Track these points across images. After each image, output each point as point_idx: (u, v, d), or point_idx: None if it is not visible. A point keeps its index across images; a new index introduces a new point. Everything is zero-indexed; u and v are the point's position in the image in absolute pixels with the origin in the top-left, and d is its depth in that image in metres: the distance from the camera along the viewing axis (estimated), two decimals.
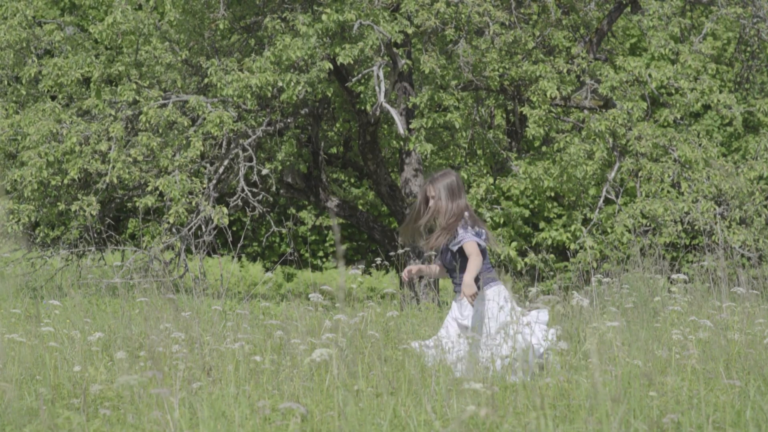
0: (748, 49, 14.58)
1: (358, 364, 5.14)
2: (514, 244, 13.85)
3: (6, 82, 13.96)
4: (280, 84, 12.18)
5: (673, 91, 13.76)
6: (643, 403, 4.65)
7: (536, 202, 21.71)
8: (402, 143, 13.83)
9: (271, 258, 23.99)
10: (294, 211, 23.19)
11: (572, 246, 13.33)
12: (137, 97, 12.94)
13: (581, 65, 13.25)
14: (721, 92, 13.92)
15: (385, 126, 14.86)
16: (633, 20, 14.59)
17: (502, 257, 13.48)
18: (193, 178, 12.73)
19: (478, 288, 6.25)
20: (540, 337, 6.04)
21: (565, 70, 13.16)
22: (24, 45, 13.45)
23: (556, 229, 20.76)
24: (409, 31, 12.42)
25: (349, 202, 15.15)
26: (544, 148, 15.09)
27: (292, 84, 12.17)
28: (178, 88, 13.44)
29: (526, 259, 13.15)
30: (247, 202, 13.06)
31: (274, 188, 13.60)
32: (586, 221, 15.50)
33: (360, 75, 12.65)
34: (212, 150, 13.25)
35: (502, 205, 17.67)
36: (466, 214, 6.35)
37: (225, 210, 12.44)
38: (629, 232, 12.71)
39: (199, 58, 13.34)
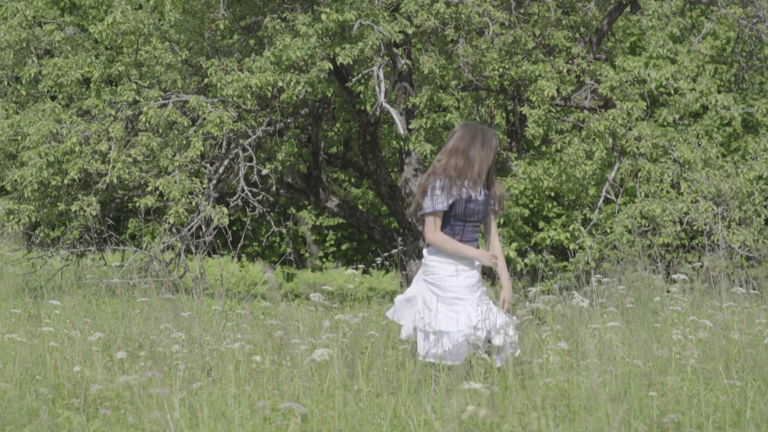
0: (746, 49, 14.57)
1: (357, 364, 5.14)
2: (514, 244, 13.85)
3: (6, 82, 13.96)
4: (280, 84, 12.17)
5: (672, 91, 13.74)
6: (643, 403, 4.65)
7: (535, 201, 21.72)
8: (402, 143, 13.83)
9: (271, 258, 24.00)
10: (294, 211, 23.19)
11: (572, 246, 13.33)
12: (137, 97, 12.93)
13: (581, 65, 13.25)
14: (720, 92, 13.93)
15: (385, 126, 14.86)
16: (632, 20, 14.59)
17: None
18: (193, 178, 12.72)
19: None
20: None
21: (565, 70, 13.16)
22: (24, 45, 13.45)
23: (555, 229, 20.76)
24: (409, 31, 12.42)
25: (349, 202, 15.15)
26: (543, 148, 15.09)
27: (292, 84, 12.17)
28: (178, 88, 13.44)
29: (526, 260, 13.15)
30: (247, 202, 13.06)
31: (274, 188, 13.60)
32: (585, 221, 15.51)
33: (360, 75, 12.65)
34: (212, 150, 13.25)
35: None
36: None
37: (225, 210, 12.44)
38: (629, 232, 12.71)
39: (199, 58, 13.33)
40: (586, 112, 13.70)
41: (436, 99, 12.98)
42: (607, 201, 14.49)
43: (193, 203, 12.48)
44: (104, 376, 5.54)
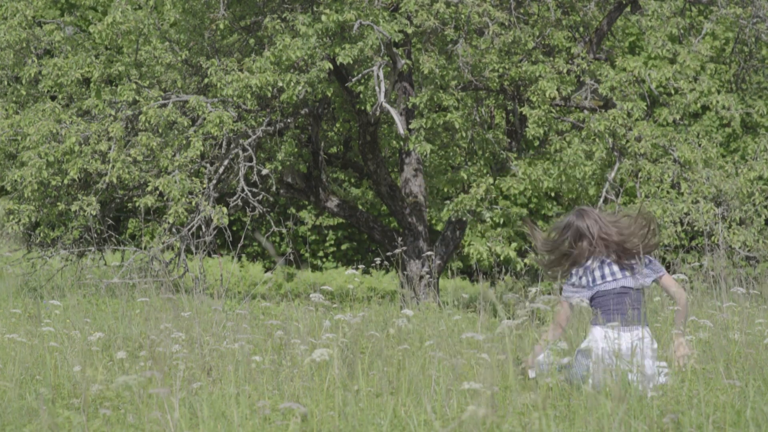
0: (746, 49, 14.57)
1: (357, 364, 5.14)
2: (514, 244, 13.85)
3: (6, 82, 13.96)
4: (280, 84, 12.18)
5: (673, 92, 13.75)
6: (643, 403, 4.65)
7: (534, 200, 21.72)
8: (402, 143, 13.83)
9: (271, 258, 23.99)
10: (294, 211, 23.19)
11: None
12: (137, 97, 12.94)
13: (581, 65, 13.25)
14: (719, 92, 13.92)
15: (385, 126, 14.86)
16: (632, 20, 14.58)
17: (501, 257, 13.47)
18: (193, 178, 12.72)
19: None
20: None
21: (565, 71, 13.16)
22: (24, 45, 13.45)
23: None
24: (409, 31, 12.42)
25: (349, 202, 15.15)
26: (545, 147, 15.08)
27: (292, 84, 12.17)
28: (178, 88, 13.44)
29: (526, 260, 13.15)
30: (247, 202, 13.06)
31: (274, 188, 13.60)
32: None
33: (360, 75, 12.65)
34: (212, 150, 13.25)
35: (500, 205, 17.63)
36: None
37: (225, 210, 12.44)
38: None
39: (199, 58, 13.34)
40: (586, 112, 13.70)
41: (436, 99, 12.98)
42: (607, 201, 14.49)
43: (193, 203, 12.48)
44: (104, 376, 5.54)
